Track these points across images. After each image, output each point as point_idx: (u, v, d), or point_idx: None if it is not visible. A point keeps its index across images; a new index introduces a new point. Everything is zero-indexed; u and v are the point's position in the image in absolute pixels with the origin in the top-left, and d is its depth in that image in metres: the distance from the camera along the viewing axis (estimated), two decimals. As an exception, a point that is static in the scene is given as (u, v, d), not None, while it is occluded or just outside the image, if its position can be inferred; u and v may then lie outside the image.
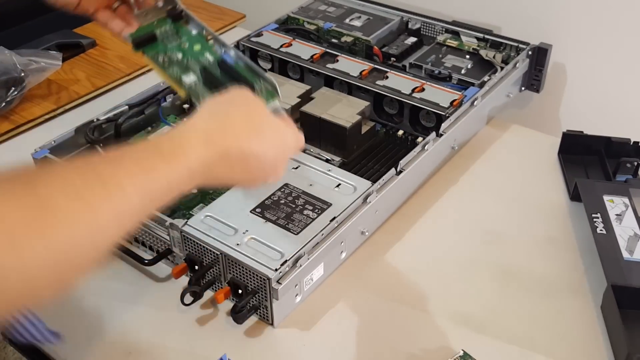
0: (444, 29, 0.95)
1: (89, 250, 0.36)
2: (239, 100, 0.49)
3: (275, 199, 0.66)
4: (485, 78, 0.85)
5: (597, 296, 0.63)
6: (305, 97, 0.79)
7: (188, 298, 0.61)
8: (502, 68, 0.86)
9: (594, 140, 0.79)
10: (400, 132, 0.81)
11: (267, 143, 0.47)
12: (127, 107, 0.78)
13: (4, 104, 0.87)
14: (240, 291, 0.61)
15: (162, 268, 0.67)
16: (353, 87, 0.83)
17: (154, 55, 0.61)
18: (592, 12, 0.90)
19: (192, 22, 0.63)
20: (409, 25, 0.98)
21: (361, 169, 0.75)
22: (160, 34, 0.62)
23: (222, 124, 0.46)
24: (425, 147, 0.73)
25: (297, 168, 0.70)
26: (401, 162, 0.71)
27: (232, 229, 0.62)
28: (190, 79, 0.59)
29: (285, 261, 0.59)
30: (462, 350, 0.58)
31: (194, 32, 0.62)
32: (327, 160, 0.74)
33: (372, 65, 0.85)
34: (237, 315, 0.59)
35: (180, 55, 0.61)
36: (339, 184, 0.68)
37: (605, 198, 0.70)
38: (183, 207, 0.69)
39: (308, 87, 0.81)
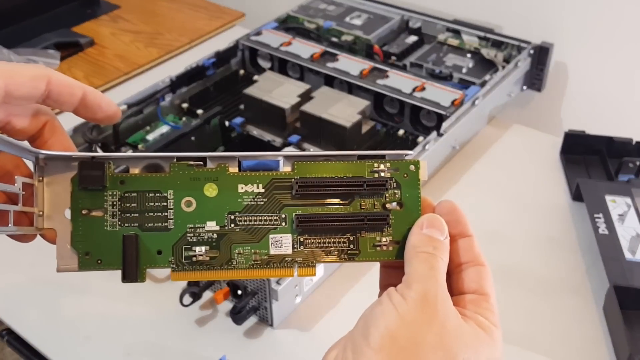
0: (444, 28, 0.94)
1: None
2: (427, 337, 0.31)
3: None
4: (487, 77, 0.84)
5: (599, 297, 0.63)
6: (305, 97, 0.79)
7: (187, 299, 0.61)
8: (503, 67, 0.85)
9: (596, 140, 0.79)
10: (401, 132, 0.81)
11: None
12: (125, 106, 0.78)
13: (2, 103, 0.86)
14: (239, 292, 0.60)
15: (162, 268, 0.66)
16: (353, 87, 0.82)
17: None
18: (594, 11, 0.90)
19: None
20: (410, 24, 0.97)
21: (361, 168, 0.75)
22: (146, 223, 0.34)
23: None
24: (426, 147, 0.73)
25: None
26: (402, 161, 0.70)
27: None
28: (282, 244, 0.34)
29: (285, 262, 0.58)
30: (464, 351, 0.57)
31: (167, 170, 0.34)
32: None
33: (373, 64, 0.84)
34: (237, 316, 0.59)
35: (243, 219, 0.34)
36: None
37: (607, 198, 0.70)
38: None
39: (308, 86, 0.80)
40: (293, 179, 0.34)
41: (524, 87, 0.91)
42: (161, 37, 1.06)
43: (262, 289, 0.58)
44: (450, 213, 0.35)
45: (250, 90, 0.79)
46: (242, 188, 0.34)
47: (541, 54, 0.88)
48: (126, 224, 0.34)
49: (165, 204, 0.34)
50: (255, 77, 0.88)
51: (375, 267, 0.68)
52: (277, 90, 0.79)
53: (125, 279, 0.34)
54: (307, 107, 0.76)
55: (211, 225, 0.34)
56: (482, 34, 0.91)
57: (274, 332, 0.60)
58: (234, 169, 0.34)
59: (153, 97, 0.81)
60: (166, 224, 0.34)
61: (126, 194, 0.34)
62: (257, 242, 0.34)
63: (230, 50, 0.91)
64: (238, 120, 0.80)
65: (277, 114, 0.77)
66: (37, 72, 0.33)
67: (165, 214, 0.34)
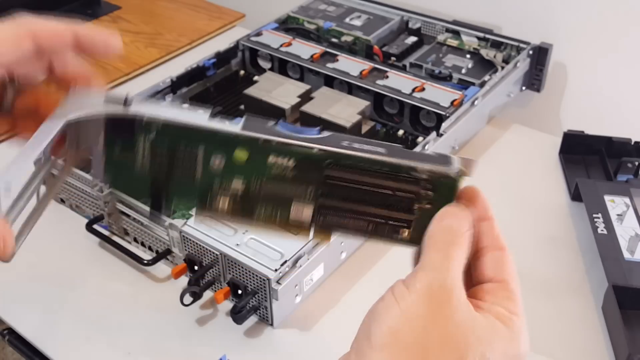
0: (444, 29, 0.95)
1: None
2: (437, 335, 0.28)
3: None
4: (486, 78, 0.84)
5: (598, 296, 0.63)
6: (305, 97, 0.79)
7: (187, 298, 0.61)
8: (502, 67, 0.86)
9: (595, 140, 0.79)
10: (401, 132, 0.81)
11: None
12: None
13: (2, 103, 0.86)
14: (240, 291, 0.60)
15: (162, 268, 0.66)
16: (353, 87, 0.83)
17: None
18: (593, 12, 0.90)
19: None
20: (409, 25, 0.97)
21: (361, 168, 0.75)
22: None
23: None
24: (426, 147, 0.73)
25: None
26: (401, 162, 0.70)
27: (232, 229, 0.62)
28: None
29: (285, 261, 0.58)
30: (463, 350, 0.57)
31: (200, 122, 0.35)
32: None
33: (372, 64, 0.84)
34: (237, 315, 0.59)
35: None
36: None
37: (606, 198, 0.70)
38: (182, 207, 0.68)
39: (308, 86, 0.80)
40: (325, 161, 0.34)
41: (523, 88, 0.91)
42: (161, 37, 1.06)
43: (262, 288, 0.58)
44: (472, 199, 0.34)
45: (251, 91, 0.80)
46: (273, 159, 0.34)
47: (540, 54, 0.88)
48: (155, 173, 0.35)
49: (194, 158, 0.34)
50: (256, 78, 0.88)
51: (376, 266, 0.68)
52: (277, 91, 0.79)
53: (154, 210, 0.35)
54: (307, 108, 0.77)
55: (237, 184, 0.34)
56: (481, 34, 0.91)
57: (274, 332, 0.61)
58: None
59: (154, 98, 0.81)
60: (193, 178, 0.34)
61: (157, 144, 0.34)
62: (280, 207, 0.34)
63: (231, 51, 0.91)
64: (238, 120, 0.80)
65: (277, 114, 0.77)
66: (19, 31, 0.31)
67: (194, 168, 0.34)
